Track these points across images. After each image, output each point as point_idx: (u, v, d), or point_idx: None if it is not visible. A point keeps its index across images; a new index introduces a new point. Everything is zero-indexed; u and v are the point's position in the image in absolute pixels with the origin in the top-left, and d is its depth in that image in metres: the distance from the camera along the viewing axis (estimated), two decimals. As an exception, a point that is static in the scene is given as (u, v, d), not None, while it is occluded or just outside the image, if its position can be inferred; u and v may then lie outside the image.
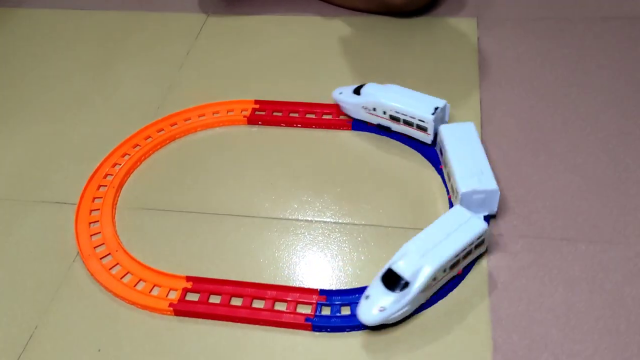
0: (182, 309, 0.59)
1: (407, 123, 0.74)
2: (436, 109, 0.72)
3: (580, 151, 0.74)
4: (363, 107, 0.76)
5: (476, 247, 0.60)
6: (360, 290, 0.59)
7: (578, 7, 0.98)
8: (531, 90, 0.83)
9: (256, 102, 0.83)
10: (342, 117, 0.80)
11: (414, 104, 0.73)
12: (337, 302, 0.59)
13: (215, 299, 0.60)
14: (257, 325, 0.58)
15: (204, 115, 0.82)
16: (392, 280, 0.56)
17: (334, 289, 0.61)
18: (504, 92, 0.83)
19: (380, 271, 0.57)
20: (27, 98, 0.89)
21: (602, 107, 0.79)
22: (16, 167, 0.78)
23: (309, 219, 0.68)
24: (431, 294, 0.59)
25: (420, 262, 0.56)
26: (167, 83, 0.89)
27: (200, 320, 0.59)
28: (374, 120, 0.77)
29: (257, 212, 0.69)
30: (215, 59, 0.94)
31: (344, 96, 0.78)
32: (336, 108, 0.81)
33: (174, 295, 0.60)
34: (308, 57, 0.93)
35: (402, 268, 0.56)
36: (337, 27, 0.99)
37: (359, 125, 0.79)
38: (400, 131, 0.76)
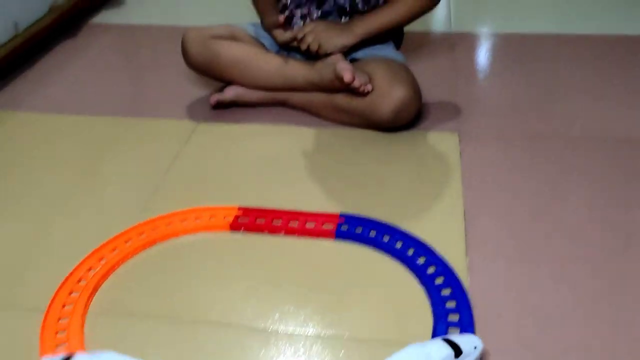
0: None
1: None
2: None
3: (563, 264, 0.73)
4: None
5: None
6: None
7: (555, 125, 1.03)
8: (514, 205, 0.84)
9: (239, 208, 0.83)
10: (325, 225, 0.80)
11: None
12: None
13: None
14: None
15: (186, 220, 0.81)
16: None
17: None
18: (488, 206, 0.84)
19: None
20: (11, 196, 0.88)
21: (584, 222, 0.80)
22: (-13, 269, 0.75)
23: (291, 331, 0.65)
24: None
25: None
26: (152, 186, 0.89)
27: None
28: None
29: (238, 322, 0.67)
30: (202, 165, 0.95)
31: None
32: (320, 216, 0.81)
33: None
34: (293, 165, 0.94)
35: None
36: (322, 138, 1.01)
37: (342, 234, 0.79)
38: None
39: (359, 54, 1.06)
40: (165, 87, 1.20)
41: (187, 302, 0.69)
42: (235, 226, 0.80)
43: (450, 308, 0.67)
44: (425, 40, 1.37)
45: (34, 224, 0.82)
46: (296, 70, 1.04)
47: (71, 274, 0.72)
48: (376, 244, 0.77)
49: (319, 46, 1.01)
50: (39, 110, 1.12)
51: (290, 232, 0.79)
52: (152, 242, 0.78)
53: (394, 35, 1.12)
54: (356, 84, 0.94)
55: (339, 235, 0.79)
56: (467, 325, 0.65)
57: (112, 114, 1.10)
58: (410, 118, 0.99)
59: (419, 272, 0.72)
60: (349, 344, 0.64)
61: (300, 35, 1.02)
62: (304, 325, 0.66)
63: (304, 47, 1.02)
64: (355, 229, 0.79)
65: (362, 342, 0.64)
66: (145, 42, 1.44)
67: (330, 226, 0.79)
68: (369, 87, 0.96)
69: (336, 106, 1.02)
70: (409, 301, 0.69)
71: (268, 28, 1.09)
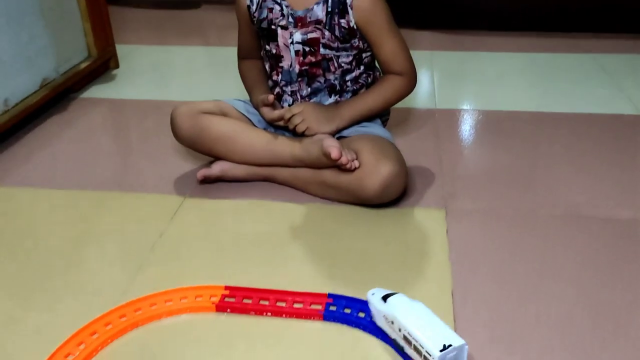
0: None
1: (416, 350, 0.67)
2: (446, 346, 0.65)
3: (554, 350, 0.72)
4: (384, 316, 0.72)
5: None
6: None
7: (539, 202, 1.04)
8: (502, 283, 0.83)
9: (226, 287, 0.81)
10: (313, 306, 0.78)
11: (427, 333, 0.67)
12: None
13: None
14: None
15: (171, 300, 0.79)
16: None
17: None
18: (476, 286, 0.83)
19: None
20: (-14, 277, 0.86)
21: (573, 303, 0.80)
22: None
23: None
24: None
25: None
26: (135, 265, 0.87)
27: None
28: (392, 334, 0.71)
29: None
30: (188, 242, 0.94)
31: (374, 298, 0.74)
32: (308, 296, 0.79)
33: None
34: (280, 243, 0.93)
35: None
36: (309, 214, 1.01)
37: (330, 315, 0.77)
38: (412, 357, 0.69)
39: (346, 131, 1.08)
40: (152, 161, 1.20)
41: None
42: (221, 307, 0.78)
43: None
44: (411, 116, 1.40)
45: (10, 304, 0.80)
46: (283, 146, 1.05)
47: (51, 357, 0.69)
48: (365, 325, 0.75)
49: (307, 129, 1.03)
50: (23, 185, 1.11)
51: (277, 313, 0.77)
52: (134, 325, 0.75)
53: (380, 112, 1.14)
54: (343, 160, 0.95)
55: (327, 316, 0.77)
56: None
57: (98, 189, 1.09)
58: (397, 194, 1.00)
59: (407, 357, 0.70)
60: None
61: (287, 116, 1.04)
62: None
63: (291, 127, 1.04)
64: (344, 309, 0.78)
65: None
66: (134, 116, 1.45)
67: (318, 307, 0.78)
68: (356, 164, 0.97)
69: (323, 182, 1.02)
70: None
71: (256, 105, 1.11)
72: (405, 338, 0.69)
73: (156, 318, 0.77)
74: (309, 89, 1.10)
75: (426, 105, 1.47)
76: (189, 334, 0.75)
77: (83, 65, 1.53)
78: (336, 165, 0.98)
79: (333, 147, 0.95)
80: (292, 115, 1.04)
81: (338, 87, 1.09)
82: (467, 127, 1.36)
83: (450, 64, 1.78)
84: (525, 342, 0.73)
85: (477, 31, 2.05)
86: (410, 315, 0.70)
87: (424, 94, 1.55)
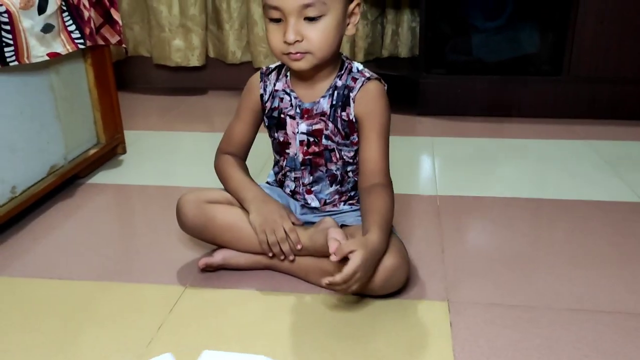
0: None
1: None
2: None
3: None
4: None
5: None
6: None
7: (542, 293, 1.03)
8: None
9: (224, 386, 0.79)
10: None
11: None
12: None
13: None
14: None
15: (166, 400, 0.77)
16: None
17: None
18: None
19: None
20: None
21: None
22: None
23: None
24: None
25: None
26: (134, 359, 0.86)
27: None
28: None
29: None
30: (187, 335, 0.92)
31: None
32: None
33: None
34: (280, 337, 0.92)
35: None
36: (310, 306, 1.00)
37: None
38: None
39: (349, 220, 1.09)
40: (155, 248, 1.20)
41: None
42: (217, 407, 0.76)
43: None
44: (413, 202, 1.41)
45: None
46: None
47: None
48: None
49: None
50: (23, 275, 1.11)
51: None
52: None
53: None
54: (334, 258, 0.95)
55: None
56: None
57: (98, 279, 1.09)
58: (399, 286, 0.99)
59: None
60: None
61: (347, 276, 0.90)
62: None
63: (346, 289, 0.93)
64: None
65: None
66: (140, 202, 1.47)
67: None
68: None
69: (325, 270, 1.02)
70: None
71: (255, 224, 1.05)
72: None
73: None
74: (311, 177, 1.12)
75: (428, 192, 1.49)
76: None
77: (91, 152, 1.57)
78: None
79: (333, 241, 0.95)
80: (352, 276, 0.90)
81: (339, 177, 1.11)
82: (468, 213, 1.37)
83: (451, 150, 1.81)
84: None
85: (475, 117, 2.11)
86: None
87: (425, 180, 1.57)
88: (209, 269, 1.09)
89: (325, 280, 0.90)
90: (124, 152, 1.77)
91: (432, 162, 1.70)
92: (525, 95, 2.11)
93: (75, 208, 1.40)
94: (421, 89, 2.14)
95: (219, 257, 1.08)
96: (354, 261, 0.89)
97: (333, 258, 0.91)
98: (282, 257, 1.05)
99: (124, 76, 2.63)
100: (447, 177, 1.60)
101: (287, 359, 0.86)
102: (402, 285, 1.00)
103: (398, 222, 1.25)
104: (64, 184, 1.48)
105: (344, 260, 0.91)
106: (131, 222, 1.38)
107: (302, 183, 1.13)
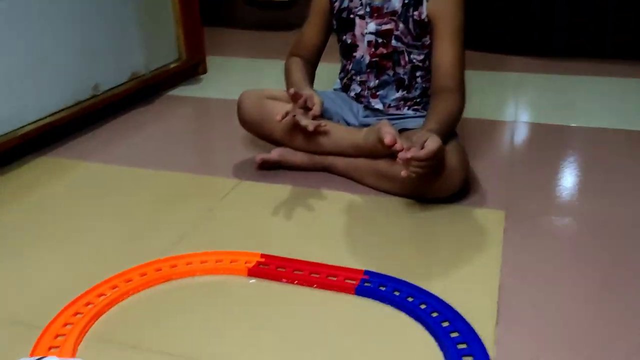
0: None
1: None
2: None
3: (610, 353, 0.64)
4: None
5: None
6: None
7: (612, 212, 0.95)
8: (555, 291, 0.75)
9: (262, 255, 0.80)
10: (347, 281, 0.75)
11: None
12: None
13: None
14: None
15: (206, 261, 0.79)
16: None
17: None
18: (525, 286, 0.76)
19: None
20: (59, 231, 0.91)
21: (631, 317, 0.70)
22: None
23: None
24: None
25: None
26: (180, 233, 0.89)
27: None
28: None
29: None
30: (234, 217, 0.94)
31: None
32: (343, 271, 0.76)
33: None
34: (327, 226, 0.91)
35: None
36: (362, 204, 0.99)
37: (364, 290, 0.73)
38: None
39: (410, 125, 1.06)
40: (222, 149, 1.24)
41: (190, 340, 0.66)
42: (254, 272, 0.77)
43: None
44: (491, 127, 1.35)
45: (64, 247, 0.84)
46: (342, 133, 1.04)
47: (81, 296, 0.71)
48: (398, 303, 0.71)
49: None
50: (104, 162, 1.17)
51: (309, 283, 0.75)
52: (167, 278, 0.76)
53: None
54: (398, 147, 0.92)
55: (360, 291, 0.74)
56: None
57: (169, 170, 1.13)
58: (453, 188, 0.95)
59: (440, 335, 0.65)
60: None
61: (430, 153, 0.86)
62: (302, 374, 0.60)
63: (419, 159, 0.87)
64: (379, 286, 0.74)
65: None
66: (215, 113, 1.51)
67: (352, 282, 0.75)
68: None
69: (378, 172, 1.00)
70: (424, 365, 0.62)
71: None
72: None
73: (189, 275, 0.77)
74: (377, 81, 1.09)
75: (508, 119, 1.41)
76: (219, 292, 0.75)
77: (172, 66, 1.63)
78: (392, 154, 0.95)
79: (388, 134, 0.93)
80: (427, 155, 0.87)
81: (406, 82, 1.08)
82: (544, 140, 1.28)
83: (538, 86, 1.71)
84: (568, 343, 0.66)
85: (564, 57, 1.96)
86: None
87: (507, 109, 1.49)
88: (265, 165, 1.10)
89: (408, 154, 0.84)
90: (205, 72, 1.81)
91: (516, 96, 1.61)
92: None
93: (154, 114, 1.47)
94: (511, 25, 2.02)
95: (276, 153, 1.09)
96: (434, 141, 0.86)
97: (386, 139, 0.88)
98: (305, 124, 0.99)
99: (213, 13, 2.69)
100: (529, 108, 1.51)
101: (329, 245, 0.86)
102: (457, 188, 0.95)
103: (469, 139, 1.20)
104: (145, 92, 1.54)
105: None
106: (206, 128, 1.42)
107: (368, 87, 1.10)
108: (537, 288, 0.75)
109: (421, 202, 0.97)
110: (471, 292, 0.74)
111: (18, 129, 1.14)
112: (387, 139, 0.91)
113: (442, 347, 0.64)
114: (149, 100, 1.55)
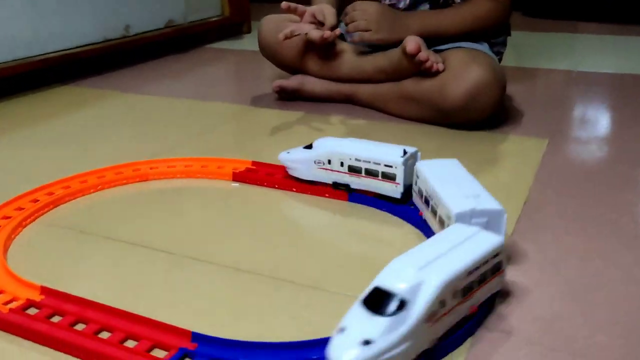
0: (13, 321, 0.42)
1: (371, 173, 0.59)
2: (405, 152, 0.58)
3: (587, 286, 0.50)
4: (315, 161, 0.63)
5: (492, 272, 0.42)
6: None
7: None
8: (583, 213, 0.62)
9: (253, 163, 0.71)
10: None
11: (378, 150, 0.60)
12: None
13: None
14: None
15: (191, 166, 0.71)
16: (380, 301, 0.36)
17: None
18: (552, 208, 0.63)
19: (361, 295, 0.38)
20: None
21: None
22: None
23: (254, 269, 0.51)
24: (441, 331, 0.38)
25: (419, 275, 0.37)
26: (177, 142, 0.82)
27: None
28: (328, 177, 0.63)
29: (199, 255, 0.53)
30: (234, 136, 0.86)
31: (292, 155, 0.65)
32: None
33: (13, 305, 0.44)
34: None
35: (394, 282, 0.37)
36: (385, 130, 0.88)
37: (356, 197, 0.63)
38: (362, 187, 0.61)
39: (443, 46, 0.93)
40: (253, 87, 1.16)
41: (166, 235, 0.57)
42: (240, 177, 0.68)
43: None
44: (547, 75, 1.20)
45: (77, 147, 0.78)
46: (365, 57, 0.93)
47: (41, 188, 0.64)
48: (392, 208, 0.60)
49: (365, 30, 0.89)
50: (137, 93, 1.12)
51: (301, 190, 0.65)
52: (143, 178, 0.69)
53: (490, 36, 0.97)
54: (422, 56, 0.81)
55: (353, 199, 0.63)
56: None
57: (194, 98, 1.06)
58: (486, 108, 0.82)
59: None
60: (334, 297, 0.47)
61: (349, 10, 0.91)
62: (271, 269, 0.51)
63: (348, 21, 0.90)
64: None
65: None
66: (253, 63, 1.44)
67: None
68: (440, 66, 0.82)
69: (404, 94, 0.88)
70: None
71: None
72: (351, 169, 0.61)
73: (169, 176, 0.69)
74: (408, 1, 0.97)
75: (566, 67, 1.26)
76: (199, 193, 0.66)
77: (213, 19, 1.58)
78: (419, 72, 0.84)
79: (411, 41, 0.82)
80: (353, 10, 0.90)
81: (442, 1, 0.96)
82: (601, 86, 1.13)
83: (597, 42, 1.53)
84: (605, 252, 0.52)
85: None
86: (351, 144, 0.62)
87: (566, 58, 1.33)
88: (284, 92, 1.01)
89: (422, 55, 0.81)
90: (249, 31, 1.76)
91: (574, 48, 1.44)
92: None
93: (188, 60, 1.42)
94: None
95: (295, 80, 1.00)
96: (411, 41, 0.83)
97: (409, 47, 0.81)
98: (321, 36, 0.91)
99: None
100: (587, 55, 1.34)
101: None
102: (490, 109, 0.82)
103: (528, 89, 1.06)
104: (182, 42, 1.50)
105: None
106: (237, 71, 1.36)
107: (399, 8, 0.99)
108: (565, 205, 0.62)
109: (452, 128, 0.85)
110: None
111: (40, 55, 1.12)
112: (410, 46, 0.80)
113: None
114: (184, 50, 1.51)
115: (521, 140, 0.82)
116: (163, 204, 0.64)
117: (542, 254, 0.52)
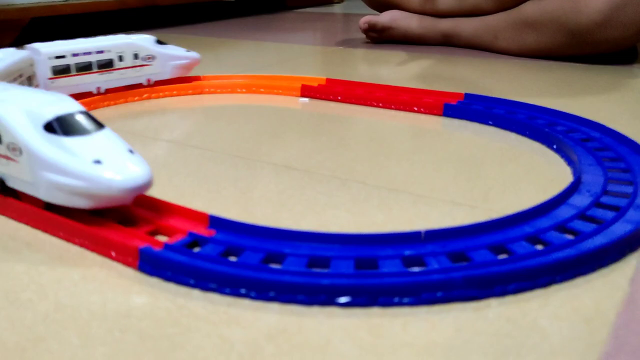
0: None
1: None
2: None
3: None
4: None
5: None
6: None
7: None
8: None
9: (328, 80, 0.60)
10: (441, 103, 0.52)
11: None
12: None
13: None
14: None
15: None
16: None
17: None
18: None
19: None
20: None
21: None
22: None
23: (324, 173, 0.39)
24: None
25: None
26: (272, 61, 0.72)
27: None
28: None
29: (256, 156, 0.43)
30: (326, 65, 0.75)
31: None
32: (434, 94, 0.53)
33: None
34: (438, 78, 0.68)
35: None
36: (501, 67, 0.73)
37: (454, 110, 0.49)
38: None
39: None
40: (340, 34, 1.05)
41: (222, 141, 0.48)
42: (308, 91, 0.57)
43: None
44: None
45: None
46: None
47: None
48: (499, 120, 0.46)
49: None
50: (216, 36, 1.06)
51: (387, 105, 0.53)
52: (201, 90, 0.60)
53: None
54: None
55: (449, 112, 0.50)
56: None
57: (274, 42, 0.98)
58: (636, 21, 0.64)
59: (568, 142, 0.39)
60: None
61: None
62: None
63: None
64: (475, 105, 0.50)
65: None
66: (338, 24, 1.34)
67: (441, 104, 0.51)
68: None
69: (522, 20, 0.73)
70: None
71: None
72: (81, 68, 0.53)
73: (228, 90, 0.60)
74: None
75: None
76: (263, 104, 0.56)
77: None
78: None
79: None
80: None
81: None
82: None
83: None
84: None
85: None
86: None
87: None
88: (373, 32, 0.89)
89: None
90: (341, 1, 1.66)
91: None
92: None
93: (274, 19, 1.34)
94: None
95: (386, 16, 0.87)
96: None
97: None
98: None
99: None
100: None
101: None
102: (633, 41, 0.65)
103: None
104: (272, 7, 1.43)
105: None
106: (327, 27, 1.26)
107: None
108: None
109: (578, 62, 0.69)
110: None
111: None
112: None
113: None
114: (272, 12, 1.43)
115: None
116: (223, 113, 0.54)
117: None
